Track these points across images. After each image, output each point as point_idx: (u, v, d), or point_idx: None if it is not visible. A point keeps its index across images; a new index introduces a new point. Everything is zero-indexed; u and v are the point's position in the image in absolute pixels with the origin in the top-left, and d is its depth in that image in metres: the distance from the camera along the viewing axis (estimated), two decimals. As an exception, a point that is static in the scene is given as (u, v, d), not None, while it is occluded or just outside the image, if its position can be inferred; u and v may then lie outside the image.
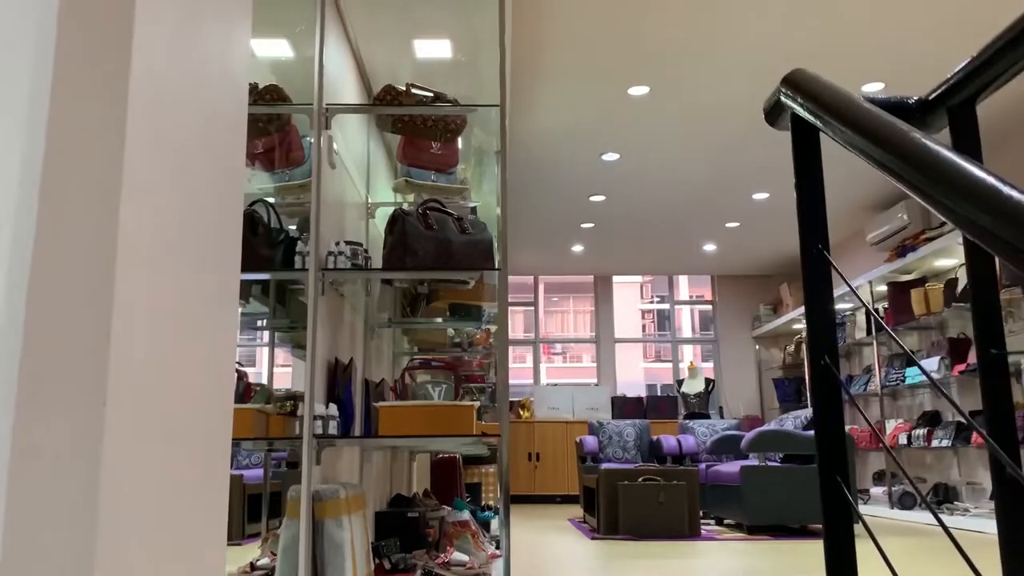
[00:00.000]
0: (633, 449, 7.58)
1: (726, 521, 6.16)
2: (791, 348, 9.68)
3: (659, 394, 10.24)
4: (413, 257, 2.39)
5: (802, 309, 8.91)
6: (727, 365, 10.65)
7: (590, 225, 8.39)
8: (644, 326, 26.70)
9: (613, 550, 4.82)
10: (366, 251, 2.57)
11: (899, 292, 7.09)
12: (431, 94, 2.62)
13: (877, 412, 7.98)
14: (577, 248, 9.29)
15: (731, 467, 6.00)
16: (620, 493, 5.49)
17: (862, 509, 7.39)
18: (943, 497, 6.69)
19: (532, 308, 11.05)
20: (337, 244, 2.52)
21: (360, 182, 3.48)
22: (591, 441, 7.39)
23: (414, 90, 2.59)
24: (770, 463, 5.70)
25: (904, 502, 6.90)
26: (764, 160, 6.64)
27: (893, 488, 7.16)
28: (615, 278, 10.99)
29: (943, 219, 4.94)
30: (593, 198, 7.54)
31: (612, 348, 10.78)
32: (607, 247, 9.26)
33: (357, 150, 3.48)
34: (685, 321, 23.93)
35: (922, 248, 6.43)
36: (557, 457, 9.75)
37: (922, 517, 6.52)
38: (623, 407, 10.07)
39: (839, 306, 8.64)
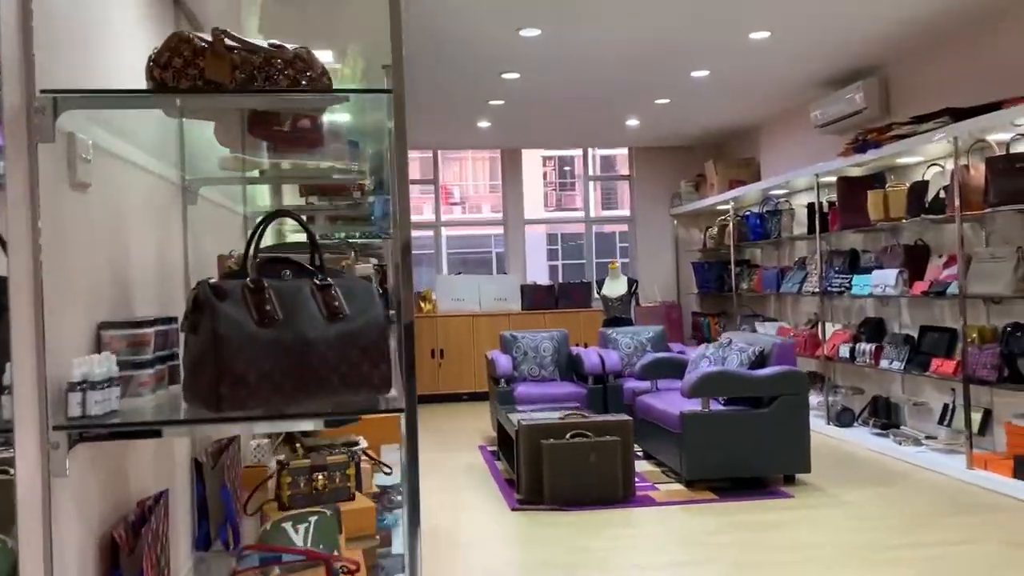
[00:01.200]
0: (551, 365, 6.75)
1: (662, 467, 5.46)
2: (714, 231, 8.90)
3: (570, 279, 9.42)
4: (237, 389, 1.27)
5: (730, 191, 8.05)
6: (643, 246, 9.85)
7: (500, 102, 7.13)
8: (547, 200, 25.62)
9: (536, 528, 4.04)
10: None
11: (851, 190, 6.25)
12: (261, 46, 1.40)
13: (810, 312, 7.37)
14: (483, 124, 8.03)
15: (666, 404, 5.23)
16: (545, 454, 4.65)
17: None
18: (886, 418, 6.18)
19: (432, 186, 9.82)
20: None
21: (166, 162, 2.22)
22: (503, 361, 6.50)
23: (228, 41, 1.37)
24: (715, 408, 4.95)
25: (843, 419, 6.39)
26: (708, 35, 5.48)
27: (831, 400, 6.63)
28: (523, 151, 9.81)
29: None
30: (506, 75, 6.26)
31: (521, 231, 9.77)
32: (517, 123, 8.04)
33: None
34: (594, 201, 22.95)
35: (889, 146, 5.53)
36: (463, 353, 8.91)
37: (862, 438, 6.02)
38: (533, 296, 9.21)
39: (775, 191, 7.82)
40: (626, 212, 10.16)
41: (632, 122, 8.21)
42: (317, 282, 1.47)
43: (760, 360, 5.13)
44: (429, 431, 7.13)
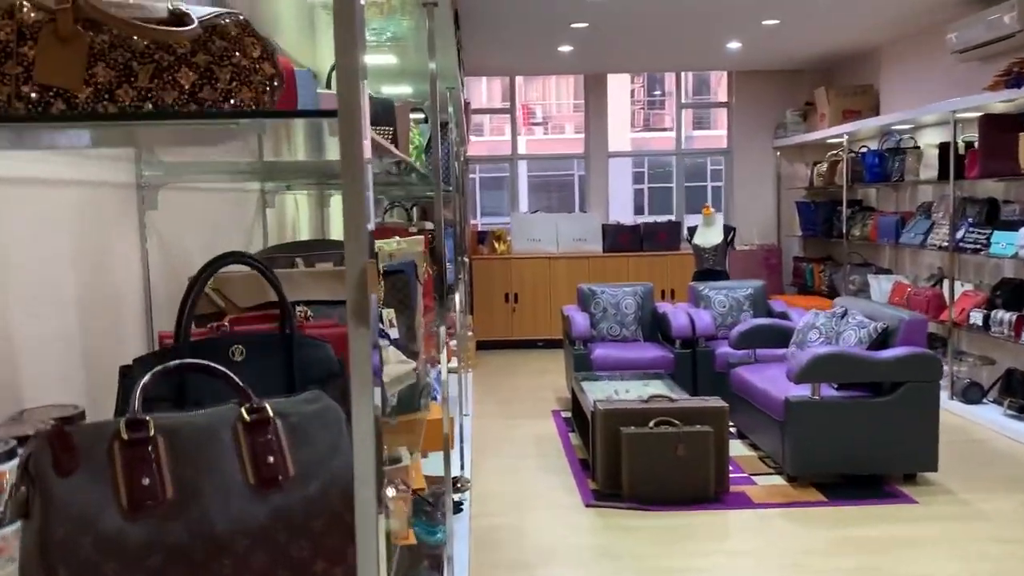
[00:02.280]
0: (633, 324, 6.10)
1: (759, 452, 4.82)
2: (823, 167, 7.95)
3: (659, 210, 8.64)
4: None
5: (844, 123, 7.07)
6: (741, 181, 8.95)
7: (582, 25, 6.31)
8: (634, 120, 24.22)
9: (612, 535, 3.47)
10: None
11: (997, 130, 5.28)
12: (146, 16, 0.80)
13: (931, 267, 6.46)
14: (565, 48, 7.22)
15: (767, 383, 4.55)
16: (624, 444, 4.07)
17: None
18: (1021, 398, 5.35)
19: (508, 114, 9.08)
20: None
21: None
22: (580, 320, 5.88)
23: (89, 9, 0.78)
24: (826, 394, 4.25)
25: (969, 395, 5.58)
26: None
27: (956, 371, 5.81)
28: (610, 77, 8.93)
29: None
30: (588, -5, 5.45)
31: (604, 165, 8.99)
32: (601, 46, 7.20)
33: None
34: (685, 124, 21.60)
35: (1054, 81, 4.56)
36: (538, 297, 8.33)
37: (993, 419, 5.23)
38: (615, 237, 8.50)
39: (898, 127, 6.82)
40: (721, 142, 9.24)
41: (733, 44, 7.26)
42: (246, 414, 0.87)
43: (883, 338, 4.37)
44: (498, 388, 6.63)
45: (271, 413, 0.88)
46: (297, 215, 3.02)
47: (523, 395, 6.40)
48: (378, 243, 3.04)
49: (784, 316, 5.84)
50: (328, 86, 2.33)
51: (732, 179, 9.02)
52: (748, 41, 7.12)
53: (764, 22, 6.35)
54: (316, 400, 0.94)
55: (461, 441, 4.12)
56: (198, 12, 0.86)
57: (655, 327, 6.16)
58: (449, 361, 4.70)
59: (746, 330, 5.24)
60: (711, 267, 6.51)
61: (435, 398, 3.45)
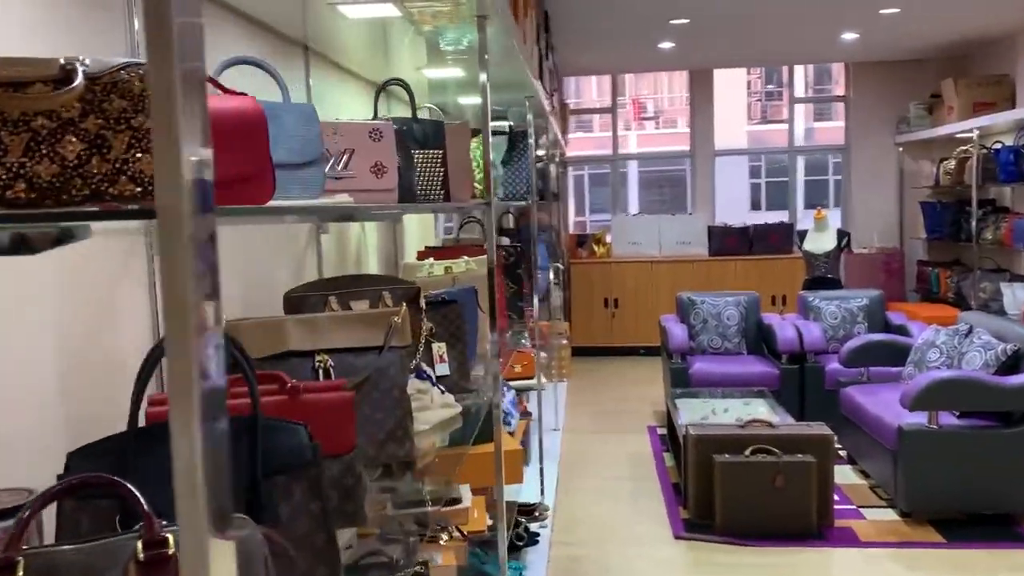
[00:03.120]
0: (736, 336, 5.77)
1: (869, 480, 4.43)
2: (950, 165, 7.32)
3: (769, 222, 8.19)
4: None
5: (975, 117, 6.48)
6: (859, 179, 8.39)
7: (683, 21, 6.00)
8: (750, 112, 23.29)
9: (701, 570, 3.23)
10: None
11: None
12: None
13: (1078, 274, 5.83)
14: (666, 44, 6.92)
15: (880, 408, 4.18)
16: (717, 473, 3.80)
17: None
18: None
19: (609, 114, 8.83)
20: None
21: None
22: (678, 332, 5.59)
23: None
24: (945, 422, 3.85)
25: (1118, 421, 4.98)
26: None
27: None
28: (716, 72, 8.54)
29: None
30: (686, -9, 5.16)
31: (711, 164, 8.61)
32: (705, 41, 6.85)
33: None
34: (799, 125, 20.63)
35: None
36: (640, 303, 8.06)
37: None
38: (723, 240, 8.12)
39: (1035, 120, 6.18)
40: (840, 141, 8.68)
41: (849, 35, 6.77)
42: (142, 550, 0.72)
43: (1013, 362, 3.92)
44: (593, 399, 6.42)
45: (172, 549, 0.73)
46: (363, 240, 2.92)
47: (619, 407, 6.17)
48: (444, 264, 2.91)
49: (903, 331, 5.38)
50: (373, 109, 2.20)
51: (850, 177, 8.46)
52: (866, 32, 6.62)
53: (883, 11, 5.87)
54: (238, 527, 0.79)
55: (541, 462, 3.95)
56: (98, 65, 0.72)
57: (760, 340, 5.81)
58: (533, 376, 4.55)
59: (858, 346, 4.84)
60: (823, 275, 6.08)
61: (508, 424, 3.30)
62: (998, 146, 6.58)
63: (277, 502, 1.00)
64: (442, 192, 2.08)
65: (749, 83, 24.74)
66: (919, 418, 3.88)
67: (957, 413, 3.93)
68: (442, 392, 1.92)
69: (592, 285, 8.18)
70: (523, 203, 3.77)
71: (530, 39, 3.54)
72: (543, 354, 5.08)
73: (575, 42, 6.61)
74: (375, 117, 2.08)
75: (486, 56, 2.01)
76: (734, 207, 8.90)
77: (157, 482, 0.99)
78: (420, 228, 3.89)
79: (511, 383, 4.32)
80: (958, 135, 7.05)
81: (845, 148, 8.51)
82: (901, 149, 8.27)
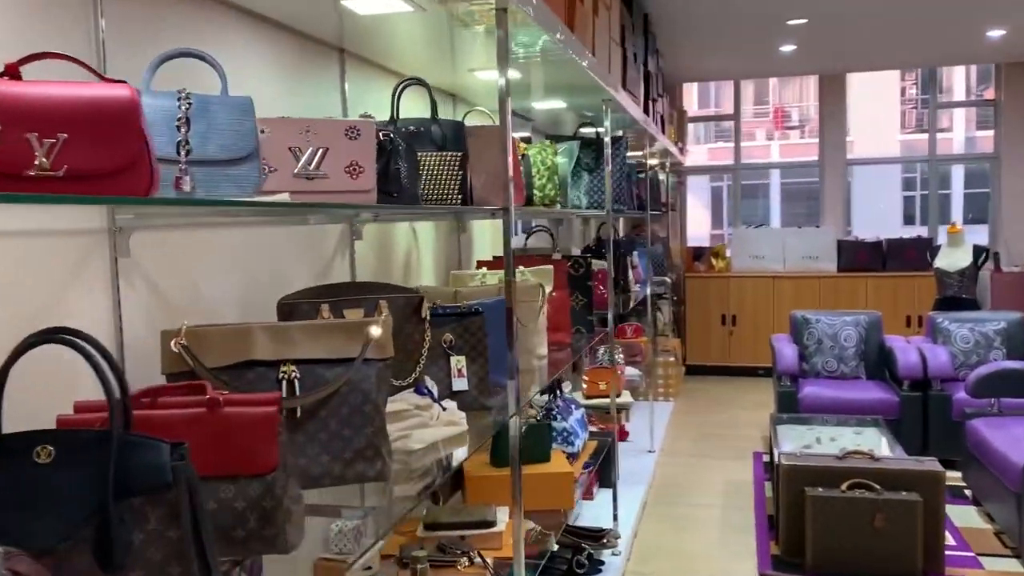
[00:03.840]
0: (854, 359, 5.33)
1: (993, 523, 3.95)
2: (1119, 174, 6.52)
3: (905, 236, 7.55)
4: None
5: None
6: (1010, 190, 7.63)
7: (800, 21, 5.64)
8: (904, 121, 21.91)
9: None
10: None
11: None
12: None
13: None
14: (787, 47, 6.53)
15: (1008, 443, 3.72)
16: (809, 508, 3.47)
17: None
18: None
19: (732, 123, 8.46)
20: None
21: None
22: (789, 353, 5.23)
23: None
24: (1082, 465, 3.37)
25: None
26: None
27: None
28: (852, 76, 8.01)
29: None
30: (799, -12, 4.82)
31: (841, 173, 8.08)
32: (831, 42, 6.42)
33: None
34: (958, 132, 19.21)
35: None
36: (760, 320, 7.65)
37: None
38: (853, 255, 7.59)
39: None
40: (990, 149, 7.93)
41: (995, 32, 6.16)
42: None
43: None
44: (700, 421, 6.10)
45: None
46: (415, 247, 2.85)
47: (726, 431, 5.84)
48: (498, 273, 2.79)
49: (1047, 358, 4.80)
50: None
51: (999, 189, 7.71)
52: (1014, 27, 6.00)
53: (1030, 3, 5.30)
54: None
55: (614, 487, 3.75)
56: None
57: (882, 364, 5.34)
58: (620, 394, 4.35)
59: (988, 374, 4.34)
60: (956, 294, 5.52)
61: (571, 444, 3.14)
62: None
63: (131, 527, 0.92)
64: (459, 196, 1.97)
65: (903, 89, 23.26)
66: (1050, 459, 3.41)
67: (1098, 455, 3.43)
68: (444, 409, 1.81)
69: (708, 301, 7.83)
70: (600, 212, 3.59)
71: (606, 38, 3.38)
72: (634, 371, 4.86)
73: (687, 46, 6.35)
74: (394, 117, 1.99)
75: (508, 53, 1.88)
76: (884, 220, 8.28)
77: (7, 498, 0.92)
78: (495, 236, 3.79)
79: (585, 401, 4.15)
80: None
81: (995, 157, 7.77)
82: (1062, 157, 7.46)
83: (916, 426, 4.88)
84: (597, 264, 3.77)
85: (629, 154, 5.36)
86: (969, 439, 4.21)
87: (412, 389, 1.80)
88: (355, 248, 2.33)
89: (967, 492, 4.39)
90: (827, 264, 7.65)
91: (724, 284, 7.81)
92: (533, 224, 4.64)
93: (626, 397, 4.38)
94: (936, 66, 7.78)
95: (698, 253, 8.09)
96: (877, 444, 4.13)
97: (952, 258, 5.56)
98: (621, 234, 7.03)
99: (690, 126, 8.87)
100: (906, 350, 5.01)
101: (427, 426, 1.79)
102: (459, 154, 1.96)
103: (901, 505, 3.38)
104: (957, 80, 21.17)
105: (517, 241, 3.86)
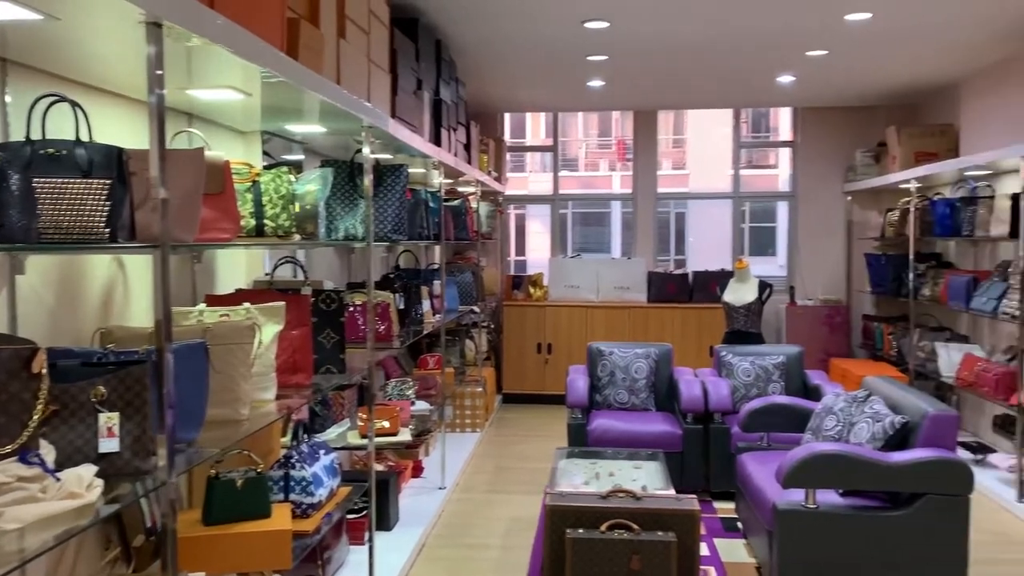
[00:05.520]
0: (644, 391, 5.40)
1: (757, 560, 4.04)
2: (895, 216, 7.01)
3: (709, 268, 7.82)
4: None
5: (917, 167, 6.15)
6: (805, 227, 8.08)
7: (600, 57, 5.73)
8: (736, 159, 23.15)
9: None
10: None
11: (1077, 180, 4.36)
12: None
13: (1012, 337, 5.47)
14: (595, 83, 6.64)
15: (765, 479, 3.81)
16: (569, 549, 3.41)
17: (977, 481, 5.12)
18: (1108, 509, 4.34)
19: (551, 152, 8.54)
20: None
21: None
22: (579, 385, 5.24)
23: None
24: (825, 501, 3.47)
25: (1041, 499, 4.60)
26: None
27: (1025, 468, 4.83)
28: (691, 112, 8.27)
29: None
30: (590, 24, 4.87)
31: (652, 205, 8.30)
32: (635, 80, 6.58)
33: None
34: (783, 169, 20.38)
35: None
36: (574, 348, 7.70)
37: (1069, 537, 4.24)
38: (662, 287, 7.79)
39: (972, 172, 5.89)
40: (787, 188, 8.37)
41: (785, 78, 6.50)
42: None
43: (901, 436, 3.56)
44: (502, 454, 6.03)
45: None
46: (122, 277, 2.57)
47: (525, 463, 5.79)
48: (220, 311, 2.56)
49: (816, 393, 5.02)
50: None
51: (796, 226, 8.15)
52: (802, 74, 6.34)
53: (808, 53, 5.60)
54: None
55: (371, 531, 3.56)
56: None
57: (671, 396, 5.44)
58: (397, 432, 4.18)
59: (755, 409, 4.47)
60: (742, 328, 5.72)
61: (310, 494, 2.93)
62: (935, 198, 6.28)
63: None
64: (107, 229, 1.74)
65: (737, 127, 24.64)
66: (796, 495, 3.51)
67: (840, 491, 3.56)
68: (59, 480, 1.57)
69: (525, 329, 7.83)
70: (398, 239, 3.42)
71: (364, 63, 3.23)
72: (424, 405, 4.70)
73: (496, 77, 6.34)
74: (29, 138, 1.74)
75: (159, 72, 1.68)
76: (720, 253, 8.54)
77: None
78: (250, 264, 3.55)
79: (360, 441, 3.95)
80: (901, 185, 6.75)
81: (792, 195, 8.21)
82: (849, 198, 7.97)
83: (698, 459, 4.98)
84: (359, 297, 3.60)
85: (443, 182, 5.25)
86: (739, 473, 4.31)
87: (15, 458, 1.55)
88: (16, 284, 2.05)
89: (739, 525, 4.49)
90: (638, 295, 7.81)
91: (541, 313, 7.84)
92: (310, 253, 4.42)
93: (403, 435, 4.21)
94: (740, 107, 8.16)
95: (517, 281, 8.08)
96: (653, 479, 4.14)
97: (739, 293, 5.76)
98: (436, 262, 6.90)
99: (536, 156, 8.91)
100: (691, 383, 5.12)
101: (35, 500, 1.55)
102: (107, 182, 1.74)
103: (657, 545, 3.37)
104: (784, 120, 22.61)
105: (255, 274, 3.61)
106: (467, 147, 5.97)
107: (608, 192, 20.06)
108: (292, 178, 2.87)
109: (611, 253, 18.58)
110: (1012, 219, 4.93)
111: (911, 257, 6.46)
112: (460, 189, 6.71)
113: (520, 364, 7.83)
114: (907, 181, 6.44)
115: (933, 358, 6.03)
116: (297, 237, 2.91)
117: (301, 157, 4.09)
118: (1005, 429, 5.44)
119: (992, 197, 5.44)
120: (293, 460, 2.95)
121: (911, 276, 6.48)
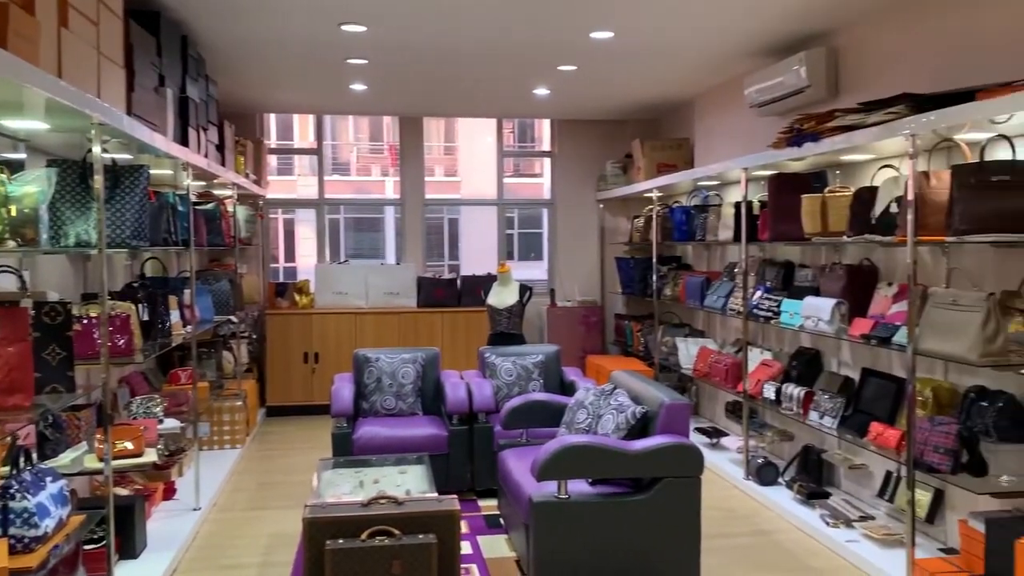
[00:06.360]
0: (411, 396, 5.43)
1: (517, 553, 4.18)
2: (640, 223, 7.57)
3: (476, 272, 8.03)
4: None
5: (658, 177, 6.68)
6: (563, 233, 8.51)
7: (361, 61, 5.69)
8: (505, 167, 23.90)
9: None
10: None
11: (786, 190, 4.94)
12: None
13: (739, 331, 6.10)
14: (358, 87, 6.59)
15: (523, 474, 3.96)
16: (328, 562, 3.34)
17: (712, 463, 5.65)
18: (816, 480, 4.95)
19: (316, 156, 8.37)
20: None
21: None
22: (344, 394, 5.16)
23: None
24: (577, 491, 3.67)
25: (764, 475, 5.15)
26: (603, -16, 4.10)
27: (752, 447, 5.39)
28: (462, 120, 8.37)
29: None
30: (347, 27, 4.82)
31: (420, 211, 8.38)
32: (399, 86, 6.61)
33: None
34: (547, 178, 21.24)
35: (830, 140, 4.19)
36: (343, 357, 7.58)
37: (785, 505, 4.77)
38: (431, 292, 7.87)
39: (705, 182, 6.49)
40: (547, 196, 8.79)
41: (541, 91, 6.81)
42: None
43: (642, 425, 3.84)
44: (266, 468, 5.81)
45: None
46: None
47: (290, 477, 5.61)
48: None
49: (572, 389, 5.30)
50: None
51: (556, 232, 8.57)
52: (556, 88, 6.68)
53: (560, 67, 5.91)
54: None
55: (109, 561, 3.29)
56: None
57: (437, 400, 5.51)
58: (142, 452, 3.89)
59: (516, 406, 4.64)
60: (505, 330, 5.91)
61: (33, 527, 2.65)
62: (674, 206, 6.85)
63: None
64: None
65: (503, 137, 25.46)
66: (550, 487, 3.67)
67: (591, 480, 3.77)
68: None
69: (291, 338, 7.59)
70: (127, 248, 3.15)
71: (92, 56, 2.99)
72: (174, 423, 4.42)
73: (253, 76, 6.11)
74: None
75: None
76: (489, 258, 8.64)
77: None
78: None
79: (96, 465, 3.63)
80: (645, 194, 7.30)
81: (551, 203, 8.62)
82: (602, 206, 8.50)
83: (464, 459, 5.08)
84: (95, 309, 3.32)
85: (192, 184, 4.95)
86: (500, 470, 4.44)
87: None
88: None
89: (502, 521, 4.63)
90: (408, 300, 7.84)
91: (307, 321, 7.64)
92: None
93: (149, 456, 3.92)
94: (502, 117, 8.43)
95: (281, 289, 7.82)
96: (418, 483, 4.17)
97: (501, 296, 5.94)
98: (187, 269, 6.50)
99: (306, 159, 8.64)
100: (456, 385, 5.21)
101: None
102: None
103: (417, 549, 3.39)
104: (546, 131, 23.73)
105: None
106: (220, 148, 5.69)
107: (379, 197, 19.95)
108: (3, 178, 2.59)
109: (386, 259, 18.52)
110: (736, 225, 5.49)
111: (655, 260, 7.01)
112: (216, 192, 6.38)
113: (286, 375, 7.59)
114: (650, 190, 6.98)
115: (674, 352, 6.58)
116: (12, 244, 2.63)
117: (23, 156, 3.70)
118: (735, 414, 6.03)
119: (720, 205, 6.02)
120: (12, 490, 2.66)
121: (655, 278, 7.03)
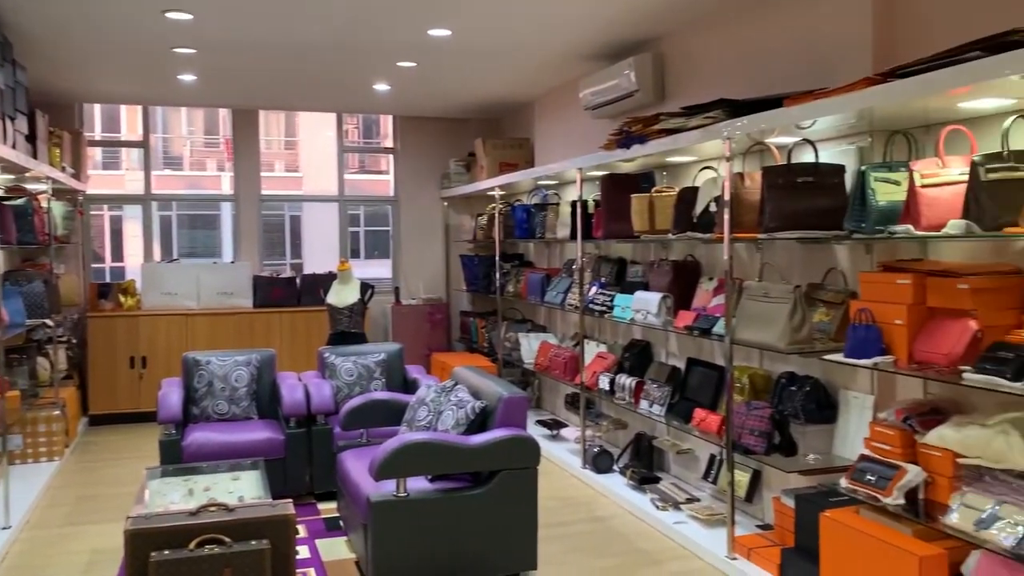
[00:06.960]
0: (246, 399, 5.23)
1: (356, 554, 4.12)
2: (483, 221, 7.65)
3: (317, 272, 7.84)
4: None
5: (500, 176, 6.77)
6: (407, 230, 8.47)
7: (188, 51, 5.44)
8: (349, 163, 23.57)
9: None
10: None
11: (617, 190, 5.14)
12: None
13: (577, 325, 6.28)
14: (187, 77, 6.28)
15: (362, 474, 3.91)
16: (154, 574, 3.18)
17: (552, 454, 5.79)
18: (647, 465, 5.18)
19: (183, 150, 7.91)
20: None
21: None
22: (172, 399, 4.91)
23: None
24: (416, 488, 3.66)
25: (600, 463, 5.33)
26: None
27: (589, 437, 5.57)
28: (304, 114, 8.10)
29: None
30: (172, 15, 4.59)
31: (256, 207, 8.10)
32: (231, 78, 6.36)
33: None
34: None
35: (656, 142, 4.39)
36: (172, 361, 7.21)
37: (619, 491, 4.96)
38: (269, 291, 7.63)
39: (544, 182, 6.64)
40: (390, 193, 8.71)
41: (381, 87, 6.74)
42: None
43: (482, 419, 3.89)
44: (87, 481, 5.43)
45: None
46: None
47: (115, 488, 5.28)
48: None
49: (415, 386, 5.28)
50: None
51: (400, 229, 8.52)
52: (396, 84, 6.63)
53: (399, 63, 5.87)
54: None
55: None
56: None
57: (274, 403, 5.34)
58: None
59: (356, 407, 4.57)
60: (347, 329, 5.81)
61: None
62: (516, 204, 6.97)
63: None
64: None
65: (348, 132, 24.97)
66: (389, 486, 3.65)
67: (430, 476, 3.78)
68: None
69: (116, 342, 7.14)
70: None
71: None
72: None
73: (70, 64, 5.69)
74: None
75: None
76: (333, 255, 8.34)
77: None
78: None
79: None
80: (488, 192, 7.38)
81: (394, 200, 8.56)
82: (446, 203, 8.52)
83: (302, 463, 4.96)
84: None
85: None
86: (339, 471, 4.36)
87: None
88: None
89: (341, 523, 4.55)
90: (243, 300, 7.56)
91: (133, 323, 7.21)
92: None
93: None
94: (342, 112, 8.28)
95: (104, 290, 7.34)
96: (251, 489, 4.03)
97: (342, 295, 5.84)
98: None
99: (134, 152, 8.10)
100: (294, 387, 5.08)
101: None
102: None
103: (249, 555, 3.28)
104: (390, 127, 23.54)
105: None
106: (32, 139, 5.28)
107: (212, 193, 19.03)
108: None
109: (223, 257, 17.72)
110: (572, 223, 5.65)
111: (497, 257, 7.10)
112: (28, 187, 5.91)
113: (110, 381, 7.13)
114: (493, 188, 7.07)
115: (517, 347, 6.70)
116: None
117: None
118: (574, 406, 6.21)
119: (559, 204, 6.18)
120: None
121: (498, 275, 7.12)
